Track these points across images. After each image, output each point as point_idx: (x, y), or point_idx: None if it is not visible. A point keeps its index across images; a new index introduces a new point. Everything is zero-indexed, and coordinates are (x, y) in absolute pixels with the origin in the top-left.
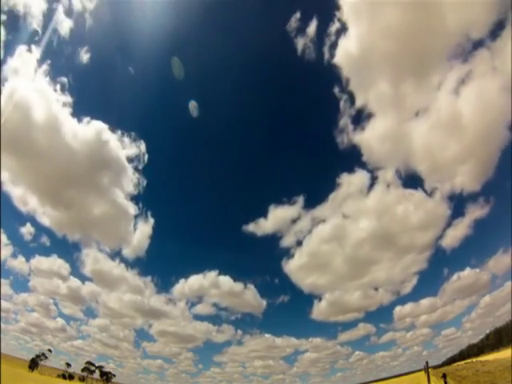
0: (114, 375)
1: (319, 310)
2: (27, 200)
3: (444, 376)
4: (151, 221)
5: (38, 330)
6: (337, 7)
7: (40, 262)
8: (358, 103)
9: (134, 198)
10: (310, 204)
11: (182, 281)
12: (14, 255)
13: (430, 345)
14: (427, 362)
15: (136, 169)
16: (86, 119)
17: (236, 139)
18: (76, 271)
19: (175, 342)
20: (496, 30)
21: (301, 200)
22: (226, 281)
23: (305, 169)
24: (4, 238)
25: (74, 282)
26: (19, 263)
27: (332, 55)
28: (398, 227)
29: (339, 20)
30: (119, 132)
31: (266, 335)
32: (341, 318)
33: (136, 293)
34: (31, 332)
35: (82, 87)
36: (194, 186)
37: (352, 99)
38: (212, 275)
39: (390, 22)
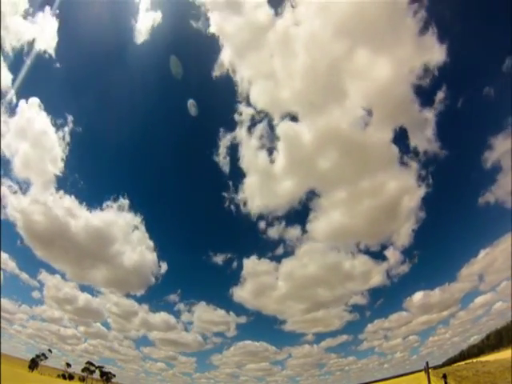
0: (114, 375)
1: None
2: None
3: (444, 376)
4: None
5: (37, 330)
6: None
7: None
8: None
9: None
10: None
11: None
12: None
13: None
14: (427, 363)
15: None
16: None
17: None
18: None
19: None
20: None
21: None
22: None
23: None
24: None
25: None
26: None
27: None
28: None
29: None
30: None
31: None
32: (321, 329)
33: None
34: (31, 332)
35: None
36: None
37: None
38: None
39: None
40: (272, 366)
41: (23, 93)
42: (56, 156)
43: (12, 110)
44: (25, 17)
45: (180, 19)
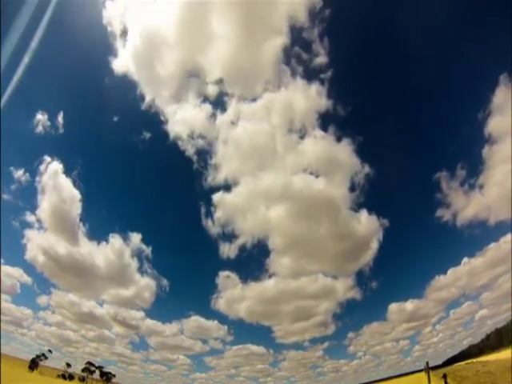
0: (114, 375)
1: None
2: None
3: (444, 376)
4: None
5: (38, 330)
6: None
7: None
8: None
9: None
10: None
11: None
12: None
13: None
14: (427, 363)
15: None
16: None
17: None
18: None
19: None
20: None
21: None
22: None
23: None
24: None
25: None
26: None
27: None
28: None
29: None
30: None
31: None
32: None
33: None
34: (34, 334)
35: None
36: None
37: None
38: None
39: None
40: (268, 368)
41: None
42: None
43: None
44: None
45: None
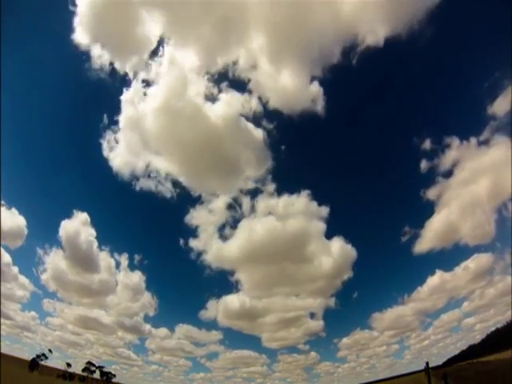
0: (114, 375)
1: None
2: None
3: (445, 377)
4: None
5: (38, 330)
6: None
7: None
8: None
9: None
10: None
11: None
12: None
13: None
14: (427, 363)
15: None
16: None
17: None
18: None
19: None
20: None
21: None
22: None
23: None
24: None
25: None
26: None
27: None
28: None
29: None
30: None
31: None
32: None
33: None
34: (31, 333)
35: None
36: None
37: None
38: None
39: None
40: (263, 369)
41: None
42: None
43: None
44: None
45: None
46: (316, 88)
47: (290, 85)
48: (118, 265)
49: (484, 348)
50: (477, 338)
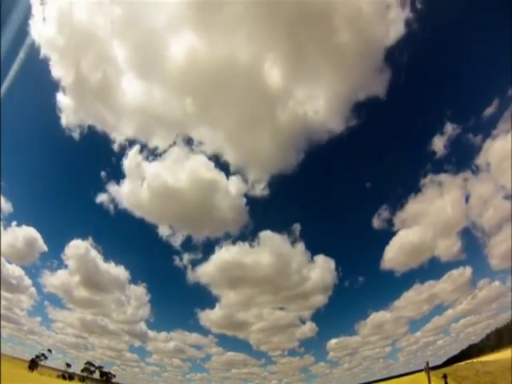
0: (114, 375)
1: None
2: None
3: (444, 377)
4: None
5: (38, 331)
6: None
7: None
8: None
9: None
10: None
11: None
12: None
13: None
14: (427, 363)
15: None
16: None
17: None
18: None
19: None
20: None
21: None
22: None
23: None
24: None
25: None
26: None
27: None
28: None
29: None
30: None
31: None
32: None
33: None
34: (32, 332)
35: None
36: None
37: None
38: None
39: None
40: (259, 370)
41: None
42: None
43: None
44: None
45: None
46: None
47: None
48: (121, 277)
49: (484, 348)
50: (472, 338)
